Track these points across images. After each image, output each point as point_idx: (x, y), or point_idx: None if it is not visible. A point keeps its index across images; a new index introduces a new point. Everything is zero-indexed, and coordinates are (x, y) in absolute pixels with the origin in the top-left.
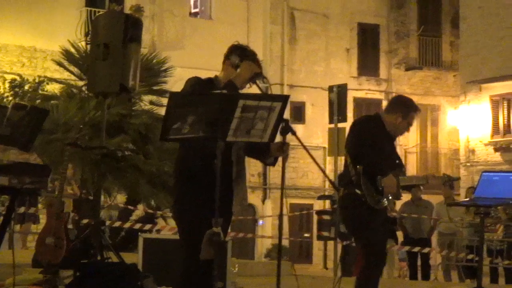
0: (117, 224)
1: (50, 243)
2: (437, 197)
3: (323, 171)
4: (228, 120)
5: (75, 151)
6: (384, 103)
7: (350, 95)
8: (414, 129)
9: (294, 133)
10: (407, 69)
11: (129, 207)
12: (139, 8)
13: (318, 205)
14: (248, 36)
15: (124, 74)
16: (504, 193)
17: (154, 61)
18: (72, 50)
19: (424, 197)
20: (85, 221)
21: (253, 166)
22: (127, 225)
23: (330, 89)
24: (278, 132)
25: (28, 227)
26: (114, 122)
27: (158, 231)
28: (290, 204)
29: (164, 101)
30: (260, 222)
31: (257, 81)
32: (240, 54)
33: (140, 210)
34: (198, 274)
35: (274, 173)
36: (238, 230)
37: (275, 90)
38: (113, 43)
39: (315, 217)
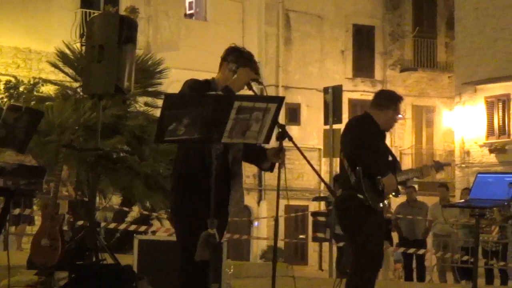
0: (112, 225)
1: (45, 245)
2: (432, 198)
3: (319, 175)
4: (224, 122)
5: (70, 153)
6: None
7: (345, 97)
8: (409, 130)
9: (290, 139)
10: (402, 70)
11: (124, 208)
12: (134, 9)
13: (313, 206)
14: (243, 38)
15: (119, 76)
16: (499, 194)
17: (149, 62)
18: (67, 51)
19: (419, 198)
20: (80, 222)
21: (248, 168)
22: (122, 226)
23: (325, 90)
24: (274, 138)
25: (23, 228)
26: (109, 124)
27: (153, 232)
28: (285, 206)
29: (159, 102)
30: (256, 223)
31: (252, 83)
32: (237, 57)
33: (135, 212)
34: (194, 275)
35: (269, 174)
36: (233, 231)
37: (270, 92)
38: (108, 45)
39: (310, 219)
